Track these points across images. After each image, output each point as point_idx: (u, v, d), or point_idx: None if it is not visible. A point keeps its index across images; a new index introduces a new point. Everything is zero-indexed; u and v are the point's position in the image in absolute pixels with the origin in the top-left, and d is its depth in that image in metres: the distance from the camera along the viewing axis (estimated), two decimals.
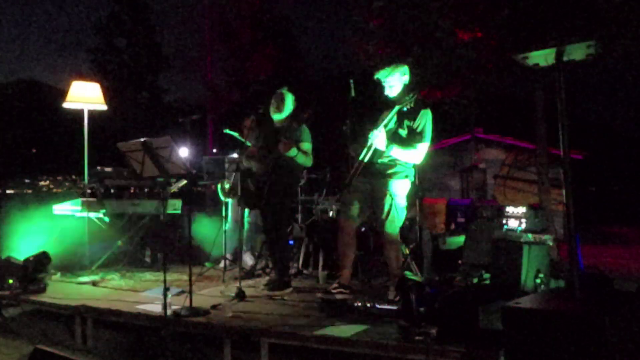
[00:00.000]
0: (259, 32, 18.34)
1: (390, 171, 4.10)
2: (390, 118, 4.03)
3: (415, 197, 5.12)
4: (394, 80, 4.17)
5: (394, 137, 4.03)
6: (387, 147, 3.97)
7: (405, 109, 3.99)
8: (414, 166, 4.22)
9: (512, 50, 2.79)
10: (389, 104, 4.13)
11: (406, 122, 4.08)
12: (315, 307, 3.93)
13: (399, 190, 4.12)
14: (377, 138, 3.96)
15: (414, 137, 4.07)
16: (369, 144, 4.03)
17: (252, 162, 4.90)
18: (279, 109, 4.78)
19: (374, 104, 4.34)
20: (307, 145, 4.74)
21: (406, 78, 4.21)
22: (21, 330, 4.31)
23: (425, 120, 4.10)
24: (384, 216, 4.09)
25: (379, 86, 4.25)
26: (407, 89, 4.21)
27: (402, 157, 4.06)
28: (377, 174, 4.12)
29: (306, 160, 4.75)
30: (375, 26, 9.44)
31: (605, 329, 2.19)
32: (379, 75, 4.19)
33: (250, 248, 5.98)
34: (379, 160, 4.11)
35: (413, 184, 4.26)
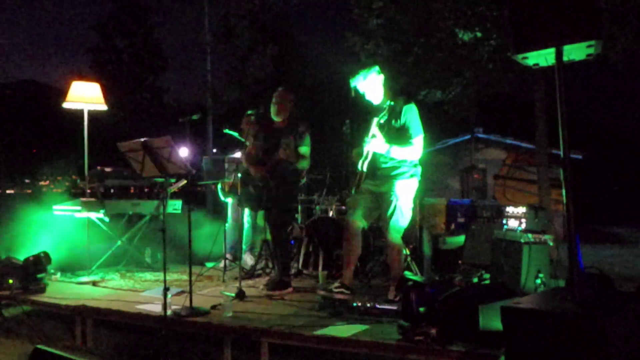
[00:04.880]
0: (259, 32, 18.34)
1: (394, 172, 4.10)
2: (377, 123, 4.04)
3: (416, 197, 5.12)
4: (372, 82, 4.17)
5: (389, 134, 4.03)
6: (388, 148, 3.97)
7: (382, 120, 4.00)
8: (418, 164, 4.21)
9: (512, 50, 2.77)
10: (375, 109, 4.15)
11: (393, 123, 4.09)
12: (315, 307, 3.93)
13: (404, 190, 4.11)
14: (375, 144, 3.97)
15: (405, 133, 4.08)
16: (364, 154, 4.04)
17: (249, 165, 4.91)
18: (282, 112, 4.80)
19: (369, 108, 4.34)
20: (305, 149, 4.77)
21: (382, 77, 4.21)
22: (21, 330, 4.31)
23: (410, 115, 4.10)
24: (387, 217, 4.09)
25: (358, 94, 4.25)
26: (388, 89, 4.21)
27: (402, 155, 4.06)
28: (382, 176, 4.12)
29: (304, 164, 4.78)
30: (375, 26, 9.45)
31: (605, 329, 2.19)
32: (355, 81, 4.19)
33: (250, 248, 5.98)
34: (382, 165, 4.11)
35: (420, 182, 4.26)
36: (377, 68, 4.21)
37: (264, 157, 4.83)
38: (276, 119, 4.84)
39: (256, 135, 5.05)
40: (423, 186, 4.38)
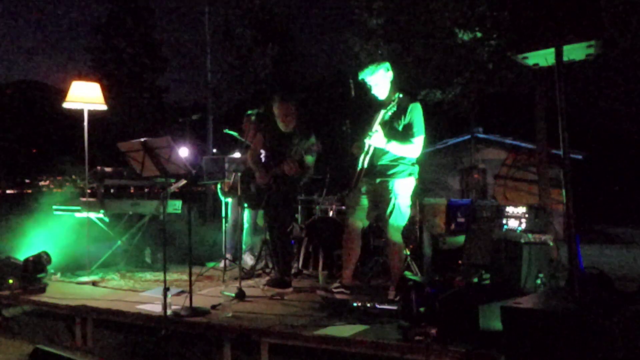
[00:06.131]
0: (259, 32, 18.36)
1: (392, 171, 4.12)
2: (382, 118, 4.04)
3: (416, 197, 5.13)
4: (379, 78, 4.18)
5: (390, 132, 4.04)
6: (386, 143, 3.98)
7: (388, 115, 4.01)
8: (416, 162, 4.22)
9: (512, 50, 2.78)
10: (379, 104, 4.15)
11: (398, 119, 4.10)
12: (315, 307, 3.93)
13: (402, 189, 4.13)
14: (375, 138, 3.97)
15: (408, 131, 4.09)
16: (365, 149, 4.04)
17: (255, 168, 4.91)
18: (290, 123, 4.79)
19: (373, 104, 4.35)
20: (311, 159, 4.78)
21: (390, 74, 4.22)
22: (21, 330, 4.31)
23: (415, 113, 4.12)
24: (387, 216, 4.09)
25: (365, 87, 4.26)
26: (394, 87, 4.22)
27: (400, 152, 4.07)
28: (381, 174, 4.13)
29: (307, 174, 4.81)
30: (375, 26, 9.47)
31: (605, 329, 2.19)
32: (363, 75, 4.21)
33: (250, 248, 5.98)
34: (380, 162, 4.12)
35: (417, 181, 4.27)
36: (387, 64, 4.22)
37: (271, 162, 4.82)
38: (286, 130, 4.84)
39: (264, 134, 5.03)
40: (423, 186, 4.39)
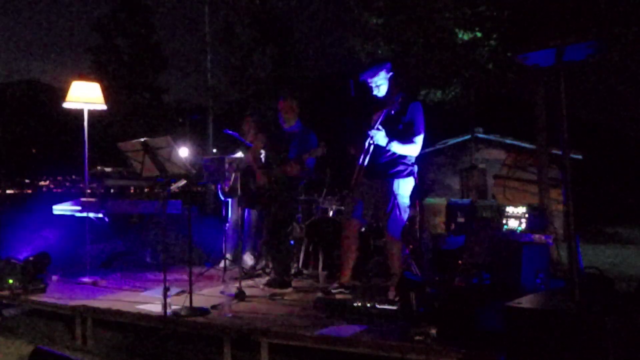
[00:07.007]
0: (259, 32, 18.37)
1: (392, 170, 4.12)
2: (383, 117, 4.05)
3: (416, 197, 5.13)
4: (380, 79, 4.19)
5: (391, 131, 4.04)
6: (388, 142, 3.98)
7: (392, 112, 4.01)
8: (415, 162, 4.22)
9: (512, 50, 2.77)
10: (379, 104, 4.15)
11: (398, 118, 4.11)
12: (315, 307, 3.93)
13: (402, 189, 4.13)
14: (376, 137, 3.97)
15: (409, 130, 4.09)
16: (366, 147, 4.04)
17: (256, 168, 4.93)
18: (291, 119, 4.82)
19: (374, 103, 4.36)
20: (311, 160, 4.81)
21: (391, 75, 4.23)
22: (21, 330, 4.31)
23: (415, 112, 4.13)
24: (386, 216, 4.09)
25: (365, 87, 4.27)
26: (395, 86, 4.22)
27: (402, 150, 4.08)
28: (380, 174, 4.13)
29: (307, 175, 4.84)
30: (375, 26, 9.47)
31: (605, 329, 2.19)
32: (365, 76, 4.21)
33: (250, 248, 5.98)
34: (380, 162, 4.12)
35: (417, 181, 4.27)
36: (388, 65, 4.22)
37: (272, 162, 4.83)
38: (288, 125, 4.86)
39: (265, 134, 5.06)
40: (423, 186, 4.40)
